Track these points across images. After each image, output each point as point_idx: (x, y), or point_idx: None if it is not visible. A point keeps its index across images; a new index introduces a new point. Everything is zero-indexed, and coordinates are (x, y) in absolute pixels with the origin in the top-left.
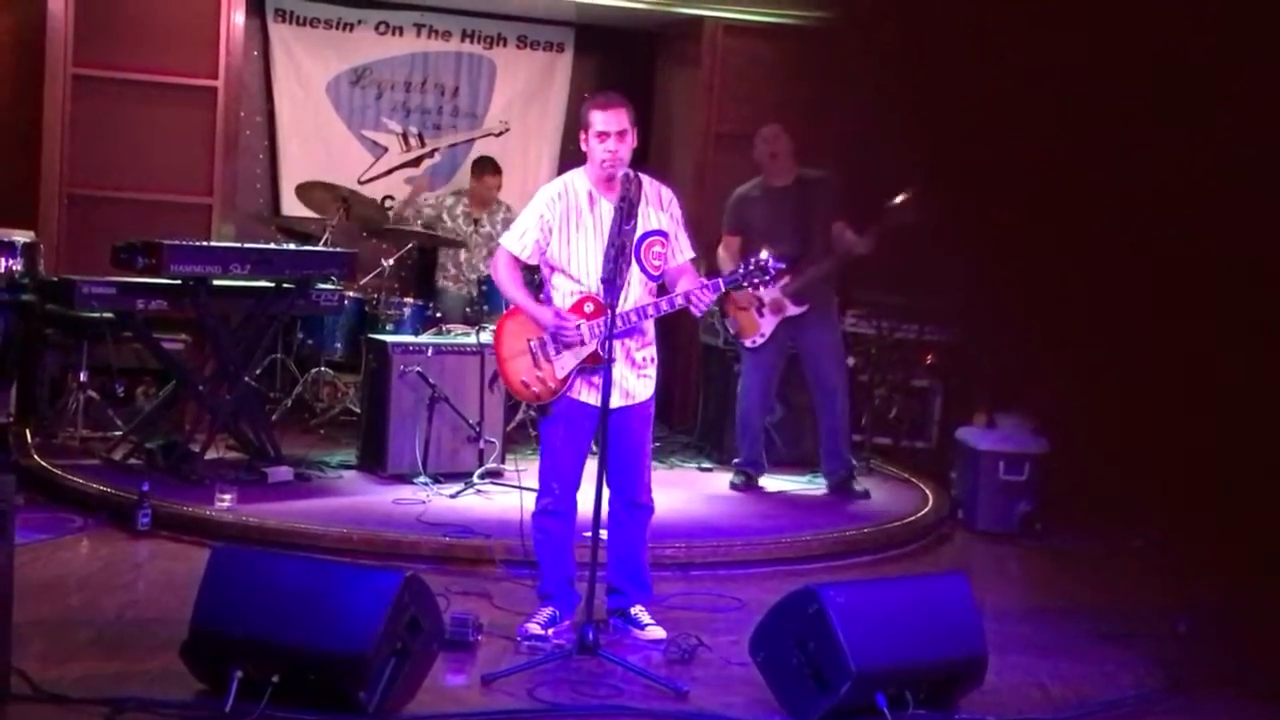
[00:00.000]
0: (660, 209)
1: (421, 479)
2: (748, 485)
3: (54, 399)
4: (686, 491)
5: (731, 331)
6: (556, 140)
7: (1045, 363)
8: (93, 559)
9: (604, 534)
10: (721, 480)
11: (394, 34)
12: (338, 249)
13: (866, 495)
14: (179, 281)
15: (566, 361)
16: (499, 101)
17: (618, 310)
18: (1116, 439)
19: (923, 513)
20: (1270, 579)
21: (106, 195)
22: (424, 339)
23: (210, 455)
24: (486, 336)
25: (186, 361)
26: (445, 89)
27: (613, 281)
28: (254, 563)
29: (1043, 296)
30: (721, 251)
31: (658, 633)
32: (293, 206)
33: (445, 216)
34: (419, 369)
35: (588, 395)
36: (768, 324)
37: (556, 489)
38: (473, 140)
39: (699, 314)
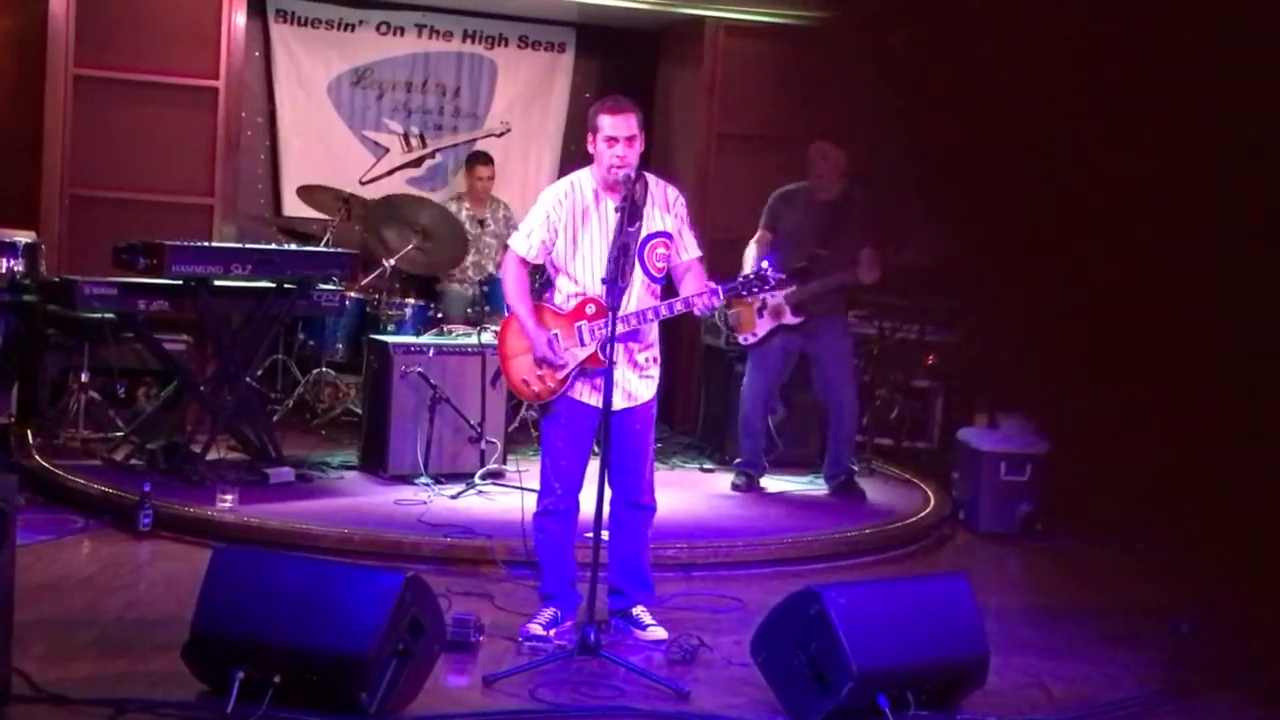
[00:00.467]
0: (666, 210)
1: (423, 480)
2: (749, 486)
3: (55, 400)
4: (688, 492)
5: (731, 324)
6: (558, 140)
7: (1046, 363)
8: (94, 560)
9: (605, 535)
10: (723, 481)
11: (395, 34)
12: (339, 249)
13: (863, 495)
14: (180, 282)
15: (566, 362)
16: (500, 102)
17: (619, 313)
18: (1117, 440)
19: (924, 513)
20: (1270, 579)
21: (108, 196)
22: (425, 340)
23: (211, 456)
24: (488, 337)
25: (188, 362)
26: (446, 89)
27: (615, 283)
28: (255, 564)
29: (1044, 297)
30: (753, 246)
31: (659, 633)
32: (294, 207)
33: None
34: (420, 370)
35: (589, 396)
36: (763, 325)
37: (558, 490)
38: (474, 141)
39: (699, 315)
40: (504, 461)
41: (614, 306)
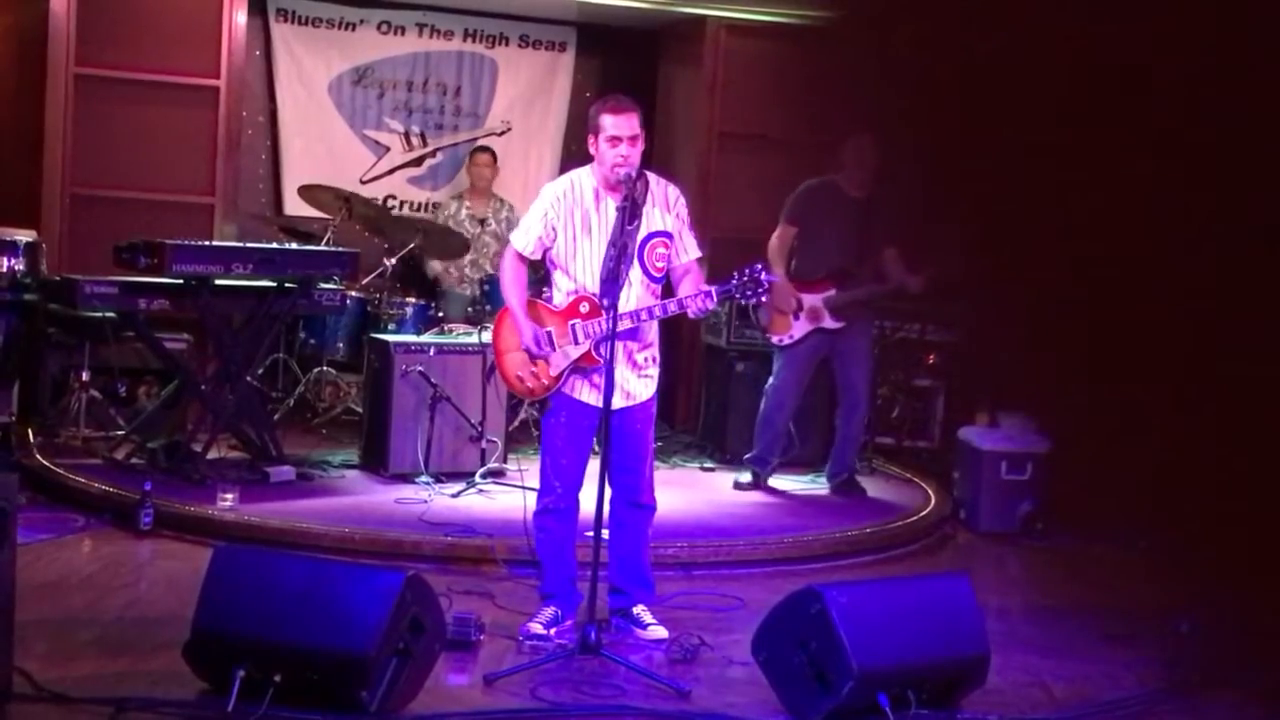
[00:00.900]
0: (666, 210)
1: (423, 479)
2: (753, 484)
3: (56, 398)
4: (688, 491)
5: (762, 323)
6: (558, 139)
7: (1046, 363)
8: (95, 559)
9: (606, 534)
10: (724, 480)
11: (396, 33)
12: (340, 249)
13: (864, 493)
14: (181, 281)
15: (559, 360)
16: (501, 101)
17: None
18: (1117, 440)
19: (925, 513)
20: (1270, 579)
21: (109, 195)
22: (426, 339)
23: (212, 455)
24: (488, 336)
25: (189, 361)
26: (447, 88)
27: (613, 281)
28: (256, 562)
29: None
30: (774, 241)
31: (660, 632)
32: (295, 206)
33: (452, 224)
34: (421, 369)
35: (589, 395)
36: (799, 328)
37: (558, 488)
38: (474, 140)
39: (693, 317)
40: (505, 460)
41: (612, 304)
